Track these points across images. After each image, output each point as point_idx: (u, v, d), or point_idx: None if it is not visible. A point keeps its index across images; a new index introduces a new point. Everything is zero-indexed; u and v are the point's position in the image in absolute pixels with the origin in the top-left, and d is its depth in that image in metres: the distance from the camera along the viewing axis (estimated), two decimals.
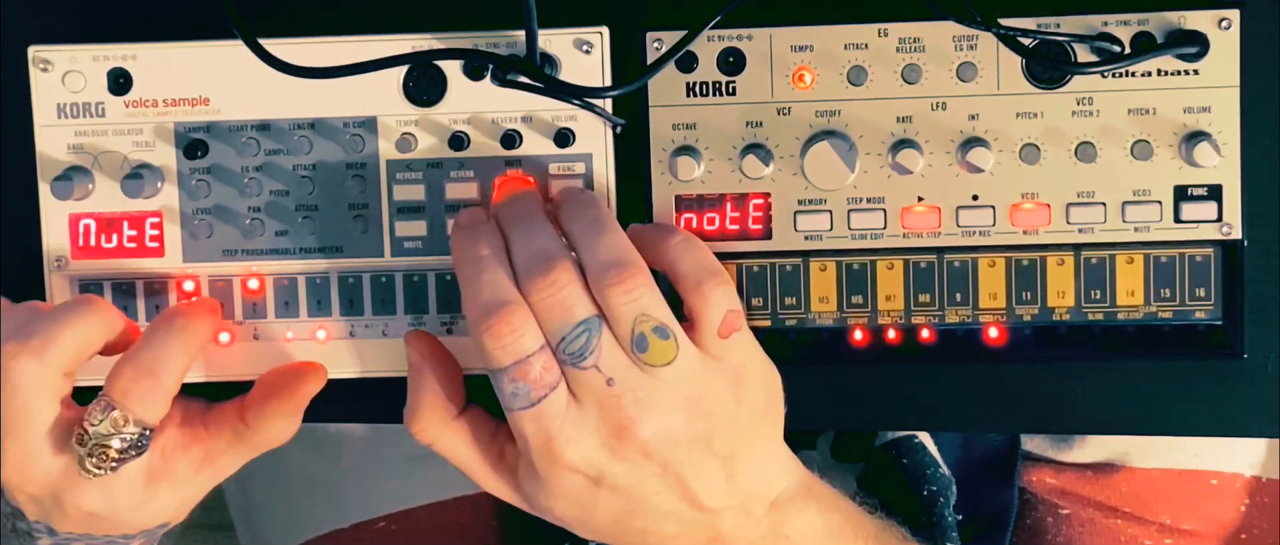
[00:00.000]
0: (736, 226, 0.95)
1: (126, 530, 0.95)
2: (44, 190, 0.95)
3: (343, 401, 0.97)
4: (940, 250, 0.95)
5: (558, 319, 0.86)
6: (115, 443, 0.89)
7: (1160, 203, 0.94)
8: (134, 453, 0.90)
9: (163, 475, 0.94)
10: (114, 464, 0.89)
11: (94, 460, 0.89)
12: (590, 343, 0.86)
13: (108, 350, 0.93)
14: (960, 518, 1.12)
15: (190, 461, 0.95)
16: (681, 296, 0.90)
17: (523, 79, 0.91)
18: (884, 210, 0.95)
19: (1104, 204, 0.94)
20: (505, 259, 0.88)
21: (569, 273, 0.87)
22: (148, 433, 0.90)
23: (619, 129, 0.95)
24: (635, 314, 0.86)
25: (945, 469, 1.12)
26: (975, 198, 0.94)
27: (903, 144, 0.93)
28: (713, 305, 0.88)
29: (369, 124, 0.95)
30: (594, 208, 0.91)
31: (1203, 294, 0.95)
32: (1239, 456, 1.15)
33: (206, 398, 0.96)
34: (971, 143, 0.93)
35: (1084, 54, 0.93)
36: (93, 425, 0.89)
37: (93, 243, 0.96)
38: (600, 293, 0.87)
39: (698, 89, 0.95)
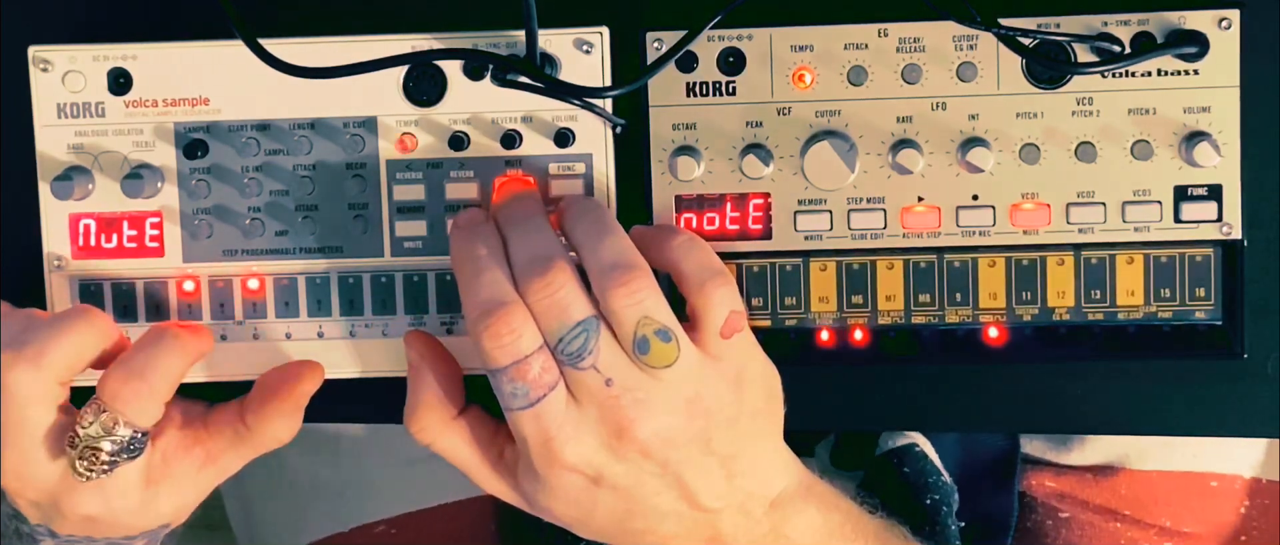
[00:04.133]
0: (736, 226, 0.95)
1: (127, 532, 0.95)
2: (44, 190, 0.95)
3: (343, 401, 0.97)
4: (940, 250, 0.95)
5: (555, 319, 0.86)
6: (106, 445, 0.89)
7: (1160, 203, 0.94)
8: (127, 456, 0.90)
9: (163, 477, 0.94)
10: (106, 467, 0.89)
11: (85, 463, 0.89)
12: (588, 343, 0.86)
13: (101, 362, 0.93)
14: (962, 524, 1.12)
15: (191, 463, 0.95)
16: (684, 296, 0.90)
17: (523, 79, 0.91)
18: (884, 210, 0.95)
19: (1104, 204, 0.94)
20: (504, 259, 0.88)
21: (567, 273, 0.87)
22: (140, 436, 0.90)
23: (619, 129, 0.95)
24: (638, 316, 0.86)
25: (947, 477, 1.11)
26: (975, 198, 0.94)
27: (903, 144, 0.93)
28: (716, 306, 0.88)
29: (369, 124, 0.95)
30: (596, 211, 0.91)
31: (1203, 294, 0.95)
32: (1238, 458, 1.15)
33: (207, 398, 0.96)
34: (971, 143, 0.93)
35: (1084, 54, 0.93)
36: (83, 428, 0.89)
37: (93, 243, 0.96)
38: (603, 295, 0.87)
39: (698, 89, 0.95)
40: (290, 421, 0.95)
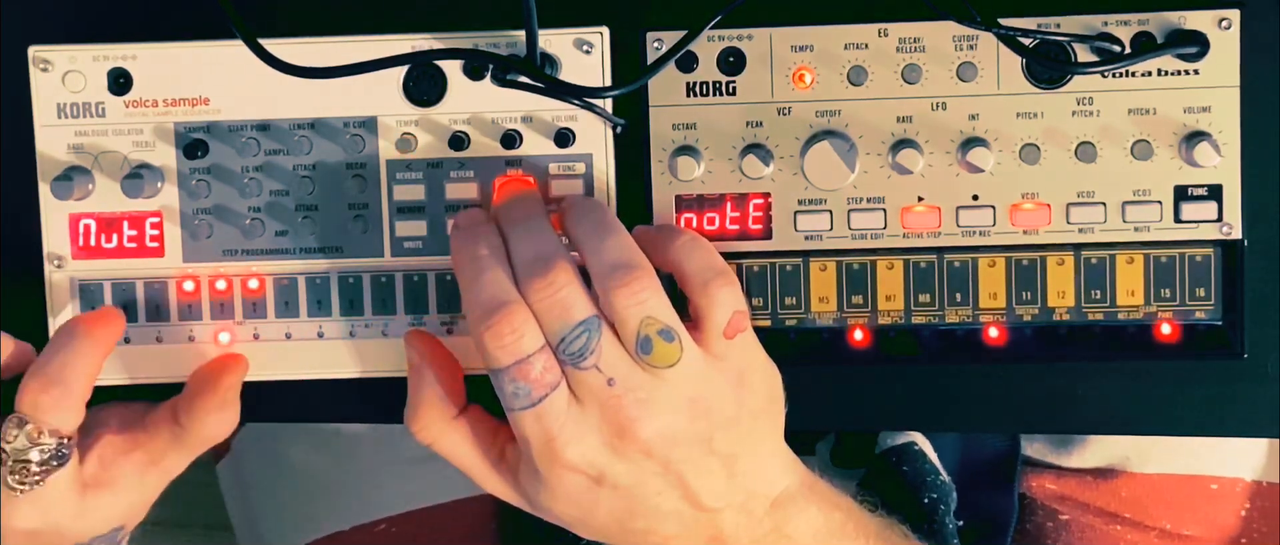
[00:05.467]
0: (736, 226, 0.95)
1: (78, 539, 0.95)
2: (44, 190, 0.95)
3: (343, 401, 0.98)
4: (940, 250, 0.95)
5: (557, 319, 0.86)
6: (35, 455, 0.89)
7: (1160, 203, 0.94)
8: (56, 463, 0.89)
9: (104, 482, 0.94)
10: (38, 477, 0.89)
11: (17, 477, 0.89)
12: (590, 343, 0.86)
13: (4, 372, 0.93)
14: (960, 524, 1.12)
15: (133, 465, 0.95)
16: (687, 296, 0.90)
17: (523, 79, 0.91)
18: (884, 210, 0.95)
19: (1104, 204, 0.94)
20: (505, 259, 0.88)
21: (568, 273, 0.87)
22: (66, 441, 0.90)
23: (619, 129, 0.95)
24: (641, 317, 0.86)
25: (945, 476, 1.12)
26: (975, 198, 0.94)
27: (903, 144, 0.93)
28: (719, 306, 0.88)
29: (369, 124, 0.95)
30: (599, 211, 0.91)
31: (1203, 294, 0.95)
32: (1239, 461, 1.15)
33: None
34: (971, 143, 0.93)
35: (1084, 54, 0.93)
36: (9, 443, 0.89)
37: (93, 243, 0.96)
38: (605, 295, 0.87)
39: (698, 89, 0.95)
40: (223, 416, 0.94)
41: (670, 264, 0.90)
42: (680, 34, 0.92)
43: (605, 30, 0.95)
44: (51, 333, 0.95)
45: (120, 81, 0.95)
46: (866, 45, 0.94)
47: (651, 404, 0.87)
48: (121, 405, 0.95)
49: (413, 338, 0.94)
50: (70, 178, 0.94)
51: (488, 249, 0.89)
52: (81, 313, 0.95)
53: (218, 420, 0.94)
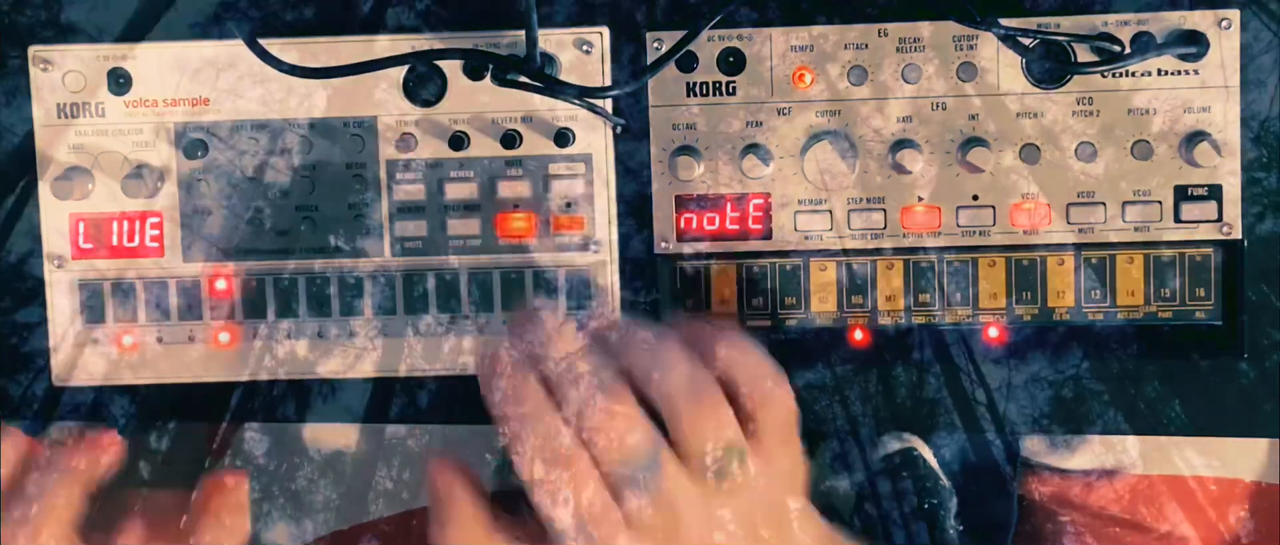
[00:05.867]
0: (736, 226, 0.95)
1: None
2: (44, 190, 0.95)
3: (344, 402, 0.97)
4: (940, 250, 0.95)
5: (619, 456, 0.82)
6: None
7: (1160, 203, 0.94)
8: None
9: None
10: None
11: None
12: (653, 471, 0.83)
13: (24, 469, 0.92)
14: (961, 527, 1.12)
15: None
16: (739, 400, 0.86)
17: (523, 79, 0.91)
18: (884, 210, 0.95)
19: (1104, 204, 0.94)
20: (551, 403, 0.84)
21: (629, 406, 0.83)
22: None
23: (619, 129, 0.95)
24: (715, 445, 0.83)
25: (945, 480, 1.11)
26: (975, 198, 0.94)
27: (903, 144, 0.93)
28: (776, 411, 0.84)
29: (369, 124, 0.95)
30: (649, 336, 0.85)
31: (1203, 294, 0.95)
32: (1238, 463, 1.15)
33: (205, 394, 0.96)
34: (971, 143, 0.93)
35: (1084, 54, 0.93)
36: None
37: (93, 243, 0.96)
38: (676, 421, 0.83)
39: (698, 89, 0.95)
40: (233, 526, 0.94)
41: (718, 367, 0.86)
42: (680, 34, 0.92)
43: (605, 30, 0.95)
44: (52, 333, 0.95)
45: (120, 81, 0.95)
46: (866, 45, 0.94)
47: (712, 520, 0.84)
48: (146, 498, 0.93)
49: (439, 466, 0.87)
50: (70, 178, 0.94)
51: (531, 399, 0.84)
52: (73, 438, 0.94)
53: (229, 534, 0.94)
